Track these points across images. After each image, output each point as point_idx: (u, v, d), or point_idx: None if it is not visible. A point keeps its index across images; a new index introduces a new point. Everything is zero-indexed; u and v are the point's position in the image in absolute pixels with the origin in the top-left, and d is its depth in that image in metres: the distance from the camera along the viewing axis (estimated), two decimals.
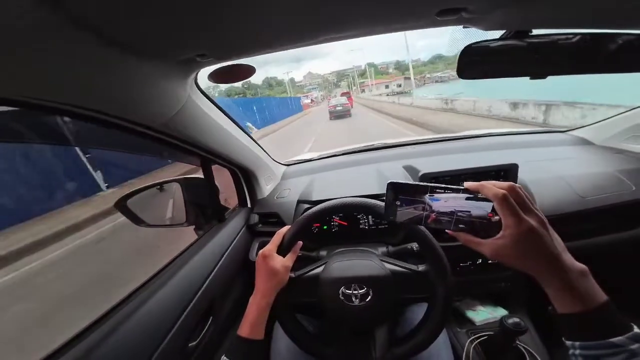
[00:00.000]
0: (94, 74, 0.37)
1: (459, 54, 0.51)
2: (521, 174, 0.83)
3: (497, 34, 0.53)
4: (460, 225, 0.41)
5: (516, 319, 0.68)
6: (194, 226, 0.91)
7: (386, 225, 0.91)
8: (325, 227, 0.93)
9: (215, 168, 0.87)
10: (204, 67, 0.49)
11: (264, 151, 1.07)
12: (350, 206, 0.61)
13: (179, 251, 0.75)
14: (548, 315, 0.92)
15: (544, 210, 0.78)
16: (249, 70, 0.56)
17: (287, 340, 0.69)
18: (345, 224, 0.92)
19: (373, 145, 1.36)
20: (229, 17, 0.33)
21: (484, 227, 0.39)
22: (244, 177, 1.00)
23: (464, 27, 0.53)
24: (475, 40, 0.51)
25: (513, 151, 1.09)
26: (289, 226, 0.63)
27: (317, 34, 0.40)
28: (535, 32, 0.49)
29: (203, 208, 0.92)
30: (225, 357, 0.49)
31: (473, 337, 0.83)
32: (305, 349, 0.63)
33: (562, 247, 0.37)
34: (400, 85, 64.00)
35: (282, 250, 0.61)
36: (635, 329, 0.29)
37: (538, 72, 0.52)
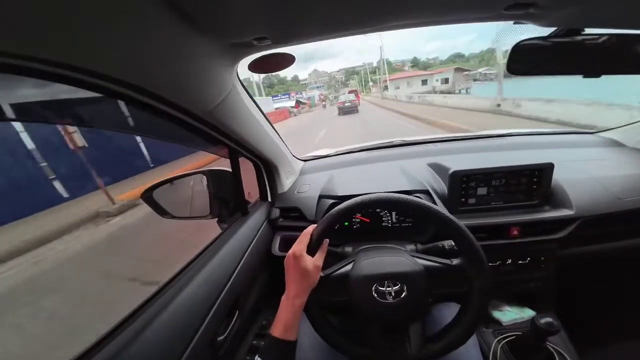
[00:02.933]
0: (150, 45, 0.34)
1: (510, 50, 0.50)
2: (554, 174, 0.81)
3: (546, 31, 0.51)
4: None
5: (549, 319, 0.67)
6: (217, 219, 0.91)
7: (410, 223, 0.90)
8: (346, 223, 0.92)
9: (242, 161, 0.87)
10: (254, 52, 0.48)
11: (286, 146, 1.06)
12: (386, 202, 0.59)
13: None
14: (580, 319, 0.91)
15: (581, 211, 0.79)
16: (290, 59, 0.55)
17: (310, 337, 0.68)
18: (368, 220, 0.91)
19: (392, 142, 1.34)
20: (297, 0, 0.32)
21: None
22: (267, 171, 0.99)
23: (514, 23, 0.52)
24: (523, 38, 0.50)
25: (542, 151, 1.07)
26: (315, 225, 0.62)
27: (381, 19, 0.38)
28: (588, 30, 0.48)
29: (226, 200, 0.92)
30: (259, 358, 0.48)
31: (500, 337, 0.82)
32: (338, 348, 0.62)
33: None
34: (446, 81, 40.25)
35: (312, 249, 0.59)
36: None
37: (591, 71, 0.51)
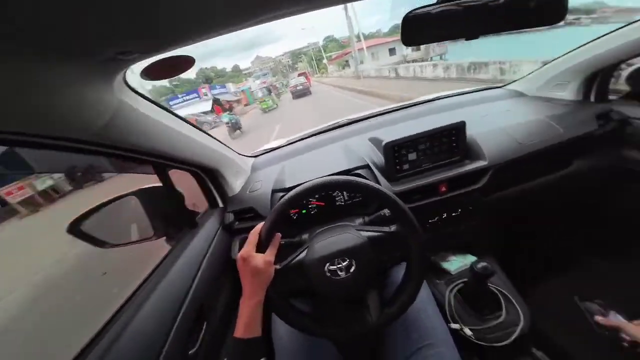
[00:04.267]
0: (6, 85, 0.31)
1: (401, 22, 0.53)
2: (469, 130, 0.90)
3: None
4: None
5: (484, 263, 0.76)
6: (165, 237, 0.86)
7: (360, 198, 0.94)
8: (304, 211, 0.94)
9: (174, 173, 0.81)
10: (131, 64, 0.44)
11: (226, 146, 1.02)
12: (319, 187, 0.62)
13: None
14: (512, 258, 1.04)
15: (492, 160, 0.87)
16: (188, 62, 0.51)
17: (286, 327, 0.70)
18: (323, 204, 0.94)
19: (338, 122, 1.37)
20: (148, 5, 0.29)
21: None
22: (209, 177, 0.95)
23: None
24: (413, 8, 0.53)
25: (461, 110, 1.18)
26: (262, 223, 0.63)
27: (255, 11, 0.37)
28: None
29: (169, 217, 0.87)
30: None
31: (451, 286, 0.92)
32: (305, 331, 0.65)
33: None
34: (418, 47, 27.54)
35: (261, 247, 0.60)
36: None
37: (471, 33, 0.55)
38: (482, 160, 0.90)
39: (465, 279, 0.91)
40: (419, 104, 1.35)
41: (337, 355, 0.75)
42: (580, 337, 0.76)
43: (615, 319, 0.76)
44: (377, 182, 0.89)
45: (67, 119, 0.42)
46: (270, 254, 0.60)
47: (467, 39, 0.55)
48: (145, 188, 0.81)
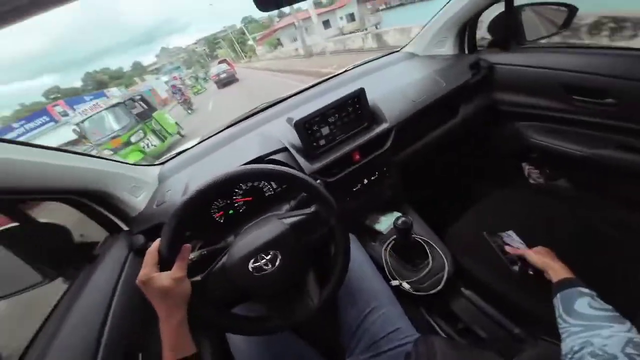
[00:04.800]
0: None
1: None
2: (371, 95, 0.93)
3: None
4: None
5: (403, 218, 0.82)
6: (61, 278, 0.71)
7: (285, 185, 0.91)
8: (231, 211, 0.87)
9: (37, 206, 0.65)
10: None
11: (117, 162, 0.86)
12: (210, 188, 0.54)
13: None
14: (429, 206, 1.14)
15: (393, 121, 0.92)
16: None
17: (240, 337, 0.66)
18: (251, 198, 0.88)
19: (256, 109, 1.29)
20: None
21: None
22: (96, 201, 0.79)
23: None
24: None
25: (366, 79, 1.22)
26: (158, 239, 0.54)
27: None
28: None
29: (56, 255, 0.71)
30: None
31: (385, 245, 0.97)
32: (254, 333, 0.62)
33: None
34: (352, 17, 30.58)
35: (165, 265, 0.52)
36: None
37: None
38: (384, 123, 0.94)
39: (395, 236, 0.97)
40: (331, 78, 1.35)
41: (298, 340, 0.75)
42: (498, 270, 0.83)
43: (519, 245, 0.82)
44: (297, 163, 0.87)
45: None
46: (179, 270, 0.52)
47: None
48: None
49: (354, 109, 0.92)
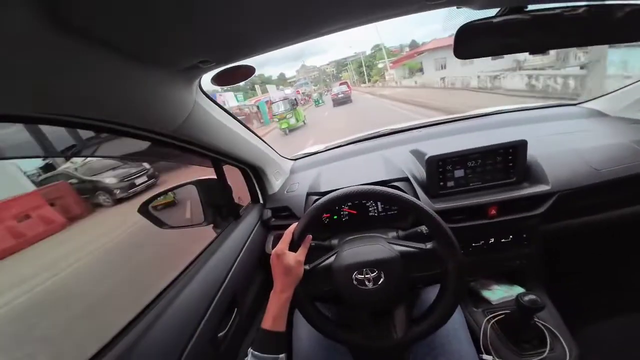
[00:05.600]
0: (102, 84, 0.38)
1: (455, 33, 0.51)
2: (532, 150, 0.81)
3: (492, 12, 0.52)
4: None
5: (532, 296, 0.69)
6: (212, 225, 0.96)
7: (395, 211, 0.92)
8: (335, 217, 0.95)
9: (226, 168, 0.91)
10: (207, 72, 0.52)
11: (271, 148, 1.10)
12: (354, 195, 0.63)
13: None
14: (565, 292, 0.91)
15: (557, 185, 0.80)
16: (249, 71, 0.58)
17: (307, 328, 0.72)
18: (355, 212, 0.94)
19: (379, 132, 1.36)
20: (224, 23, 0.35)
21: None
22: (254, 174, 1.03)
23: (457, 8, 0.53)
24: (470, 20, 0.51)
25: (523, 127, 1.06)
26: (296, 223, 0.66)
27: (309, 29, 0.41)
28: (530, 7, 0.49)
29: (219, 207, 0.97)
30: (251, 349, 0.53)
31: (490, 316, 0.84)
32: (328, 335, 0.66)
33: None
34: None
35: (294, 246, 0.63)
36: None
37: (537, 47, 0.52)
38: (544, 185, 0.80)
39: (508, 310, 0.82)
40: (471, 117, 1.27)
41: None
42: None
43: None
44: (416, 197, 0.86)
45: (153, 114, 0.51)
46: (301, 254, 0.63)
47: (531, 53, 0.52)
48: (203, 179, 0.92)
49: (505, 160, 0.83)
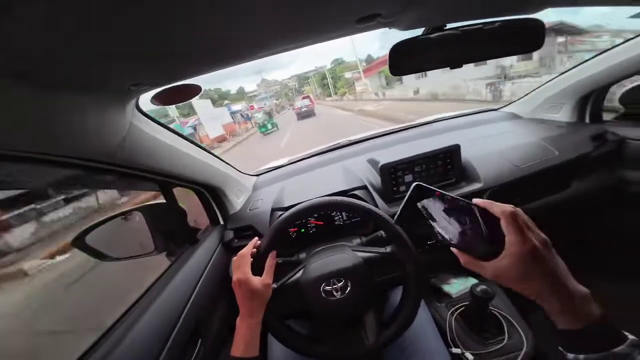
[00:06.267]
0: (19, 113, 0.35)
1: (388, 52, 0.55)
2: (466, 153, 0.92)
3: (420, 32, 0.59)
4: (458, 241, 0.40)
5: (483, 286, 0.75)
6: (165, 252, 0.88)
7: (359, 218, 0.95)
8: (302, 230, 0.95)
9: (181, 191, 0.85)
10: (143, 93, 0.49)
11: (229, 165, 1.06)
12: (316, 207, 0.63)
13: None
14: None
15: (488, 182, 0.89)
16: (195, 90, 0.56)
17: (282, 348, 0.69)
18: (322, 223, 0.95)
19: (339, 143, 1.41)
20: (151, 47, 0.34)
21: (479, 245, 0.38)
22: (212, 195, 0.98)
23: (389, 29, 0.58)
24: (401, 39, 0.57)
25: (457, 132, 1.20)
26: (254, 240, 0.64)
27: (244, 52, 0.41)
28: (449, 25, 0.56)
29: (171, 233, 0.89)
30: None
31: (452, 309, 0.89)
32: (300, 352, 0.64)
33: (566, 271, 0.34)
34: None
35: (258, 267, 0.59)
36: (630, 337, 0.30)
37: (454, 62, 0.59)
38: (477, 183, 0.90)
39: (467, 302, 0.88)
40: (417, 126, 1.39)
41: None
42: None
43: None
44: (374, 203, 0.90)
45: (85, 140, 0.46)
46: (267, 276, 0.59)
47: (451, 68, 0.59)
48: (150, 204, 0.85)
49: (444, 163, 0.92)
